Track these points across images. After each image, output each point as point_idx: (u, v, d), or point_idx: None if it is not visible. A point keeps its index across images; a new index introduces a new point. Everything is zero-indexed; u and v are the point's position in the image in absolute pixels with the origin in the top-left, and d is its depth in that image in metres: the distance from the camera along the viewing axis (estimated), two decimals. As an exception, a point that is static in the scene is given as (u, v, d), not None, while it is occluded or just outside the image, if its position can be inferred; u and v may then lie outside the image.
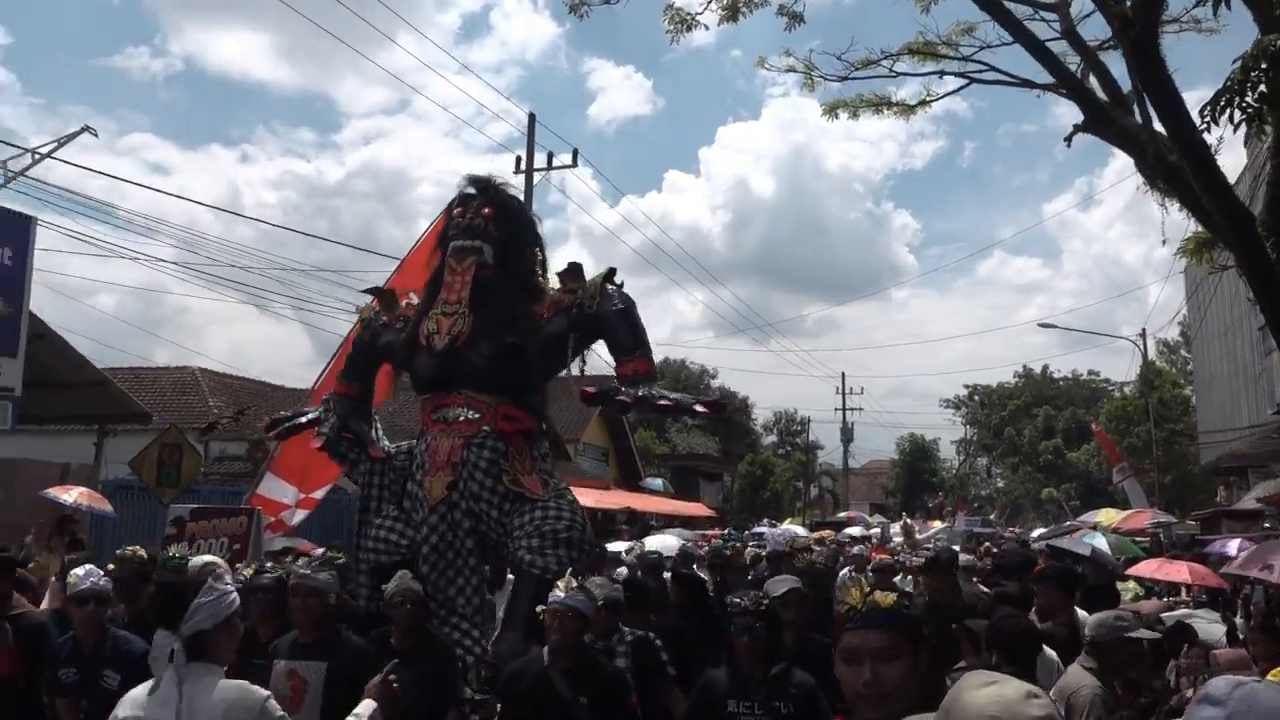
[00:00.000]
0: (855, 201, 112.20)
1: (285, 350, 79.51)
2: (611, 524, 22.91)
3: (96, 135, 13.30)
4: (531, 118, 21.71)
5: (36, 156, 12.99)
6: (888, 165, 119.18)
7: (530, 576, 5.22)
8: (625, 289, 5.75)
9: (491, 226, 5.79)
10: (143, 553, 5.67)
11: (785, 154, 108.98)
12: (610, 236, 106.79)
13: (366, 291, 6.63)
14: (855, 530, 23.82)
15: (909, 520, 21.51)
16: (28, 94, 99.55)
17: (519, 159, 21.70)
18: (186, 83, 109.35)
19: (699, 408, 5.39)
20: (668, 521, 23.91)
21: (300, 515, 9.36)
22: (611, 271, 5.79)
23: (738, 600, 4.18)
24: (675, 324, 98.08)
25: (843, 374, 51.77)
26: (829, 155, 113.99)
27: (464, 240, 5.76)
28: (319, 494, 9.44)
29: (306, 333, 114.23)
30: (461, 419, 5.65)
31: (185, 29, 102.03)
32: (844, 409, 50.56)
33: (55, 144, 13.02)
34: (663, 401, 5.25)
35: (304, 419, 6.42)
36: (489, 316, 5.62)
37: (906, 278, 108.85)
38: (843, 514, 36.84)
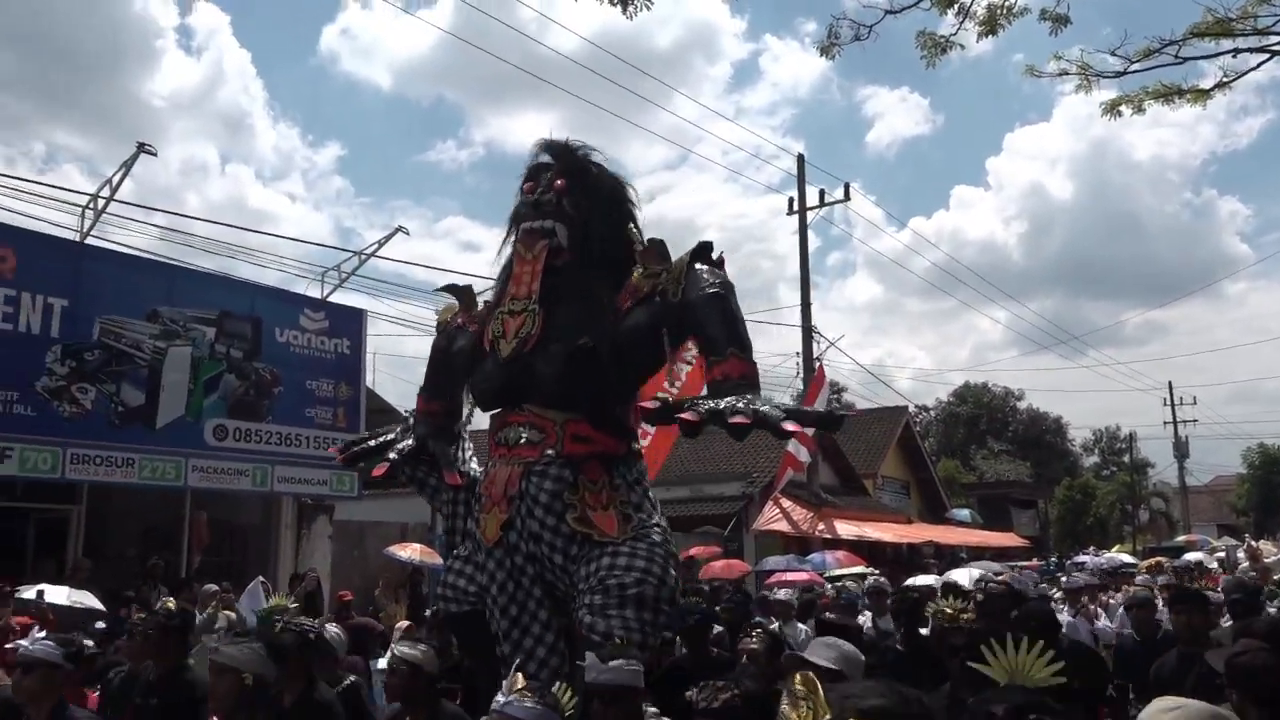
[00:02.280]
0: (1171, 193, 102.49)
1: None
2: (919, 557, 22.40)
3: (409, 234, 14.96)
4: (800, 159, 22.03)
5: (363, 257, 14.85)
6: (1206, 149, 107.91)
7: (587, 644, 3.94)
8: (725, 266, 4.50)
9: (566, 202, 4.72)
10: (171, 604, 4.87)
11: (1084, 151, 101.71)
12: (897, 264, 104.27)
13: (441, 290, 5.65)
14: (1195, 556, 21.64)
15: (1255, 543, 19.25)
16: (359, 196, 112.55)
17: (791, 200, 22.02)
18: (489, 166, 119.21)
19: (789, 426, 3.82)
20: (976, 554, 22.89)
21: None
22: (703, 247, 4.52)
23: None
24: (976, 344, 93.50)
25: (1169, 383, 47.37)
26: (1135, 146, 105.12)
27: (533, 221, 4.72)
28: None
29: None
30: (522, 441, 4.57)
31: (486, 119, 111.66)
32: (1175, 421, 46.15)
33: (376, 245, 14.83)
34: (736, 419, 3.82)
35: (374, 442, 5.50)
36: (564, 314, 4.54)
37: (1241, 269, 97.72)
38: (1180, 538, 33.47)
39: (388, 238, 14.80)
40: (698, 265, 4.42)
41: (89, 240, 12.22)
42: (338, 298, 14.84)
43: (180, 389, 12.20)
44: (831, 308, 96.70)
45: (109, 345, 11.61)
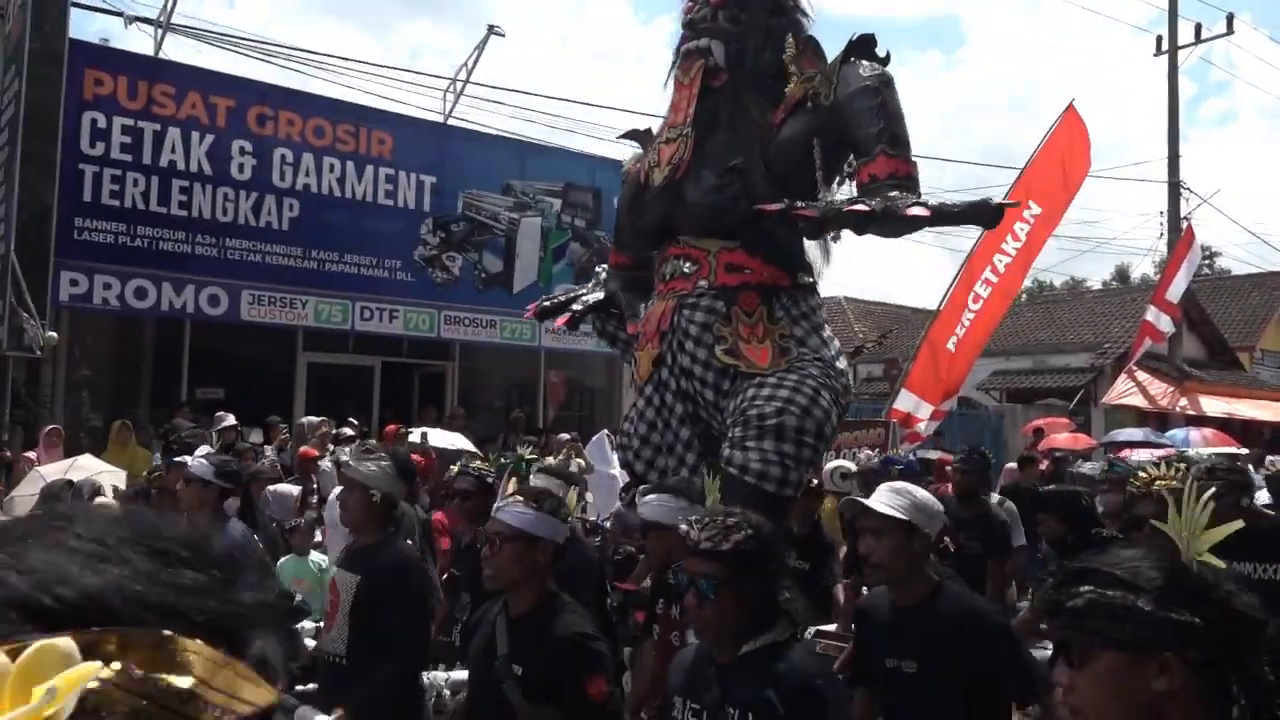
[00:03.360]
0: None
1: (924, 273, 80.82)
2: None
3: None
4: (1171, -12, 19.35)
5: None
6: None
7: (728, 479, 3.66)
8: (890, 62, 3.94)
9: (722, 16, 4.33)
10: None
11: None
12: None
13: (623, 137, 5.31)
14: None
15: None
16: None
17: (1159, 39, 19.54)
18: (824, 29, 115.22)
19: (913, 211, 3.40)
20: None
21: (932, 426, 9.84)
22: (862, 40, 3.97)
23: None
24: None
25: None
26: None
27: (690, 41, 4.38)
28: (946, 406, 9.83)
29: (947, 256, 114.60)
30: (677, 275, 4.33)
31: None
32: None
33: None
34: (856, 207, 3.44)
35: (564, 297, 5.38)
36: (718, 137, 4.25)
37: None
38: None
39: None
40: (852, 60, 3.95)
41: (450, 121, 13.38)
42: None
43: (532, 256, 13.26)
44: (1206, 161, 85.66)
45: (471, 217, 12.82)
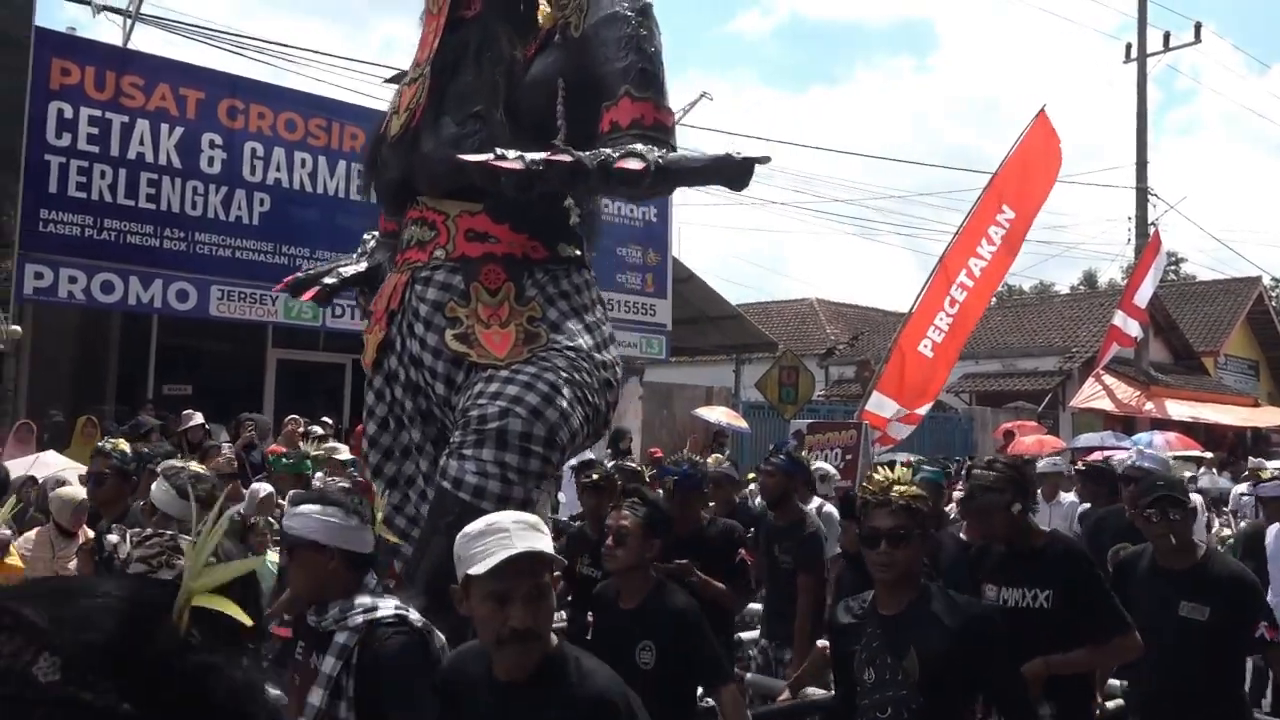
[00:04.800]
0: None
1: (893, 276, 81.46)
2: (1266, 444, 20.33)
3: (713, 99, 15.05)
4: (1141, -6, 19.60)
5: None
6: None
7: (439, 494, 3.17)
8: None
9: None
10: (124, 447, 4.74)
11: None
12: (1260, 115, 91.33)
13: (390, 81, 4.66)
14: None
15: None
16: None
17: (1129, 47, 19.80)
18: (791, 34, 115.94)
19: (625, 164, 2.75)
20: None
21: (905, 430, 9.88)
22: None
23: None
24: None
25: None
26: None
27: None
28: (921, 410, 9.88)
29: (914, 259, 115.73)
30: (413, 243, 3.61)
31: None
32: None
33: (682, 112, 15.00)
34: (559, 157, 2.73)
35: (323, 267, 4.45)
36: (461, 77, 3.52)
37: None
38: None
39: (693, 104, 14.94)
40: None
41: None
42: (646, 167, 15.27)
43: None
44: (1173, 168, 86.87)
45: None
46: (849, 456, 9.31)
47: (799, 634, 4.69)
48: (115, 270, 10.21)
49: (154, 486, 3.61)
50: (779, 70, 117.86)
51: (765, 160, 2.77)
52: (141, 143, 10.49)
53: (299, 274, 4.46)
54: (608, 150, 2.81)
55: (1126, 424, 17.56)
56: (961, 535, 4.52)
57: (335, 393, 12.37)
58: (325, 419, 9.37)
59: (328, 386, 12.40)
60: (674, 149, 3.03)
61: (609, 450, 11.65)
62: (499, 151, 2.68)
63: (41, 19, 9.94)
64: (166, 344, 11.33)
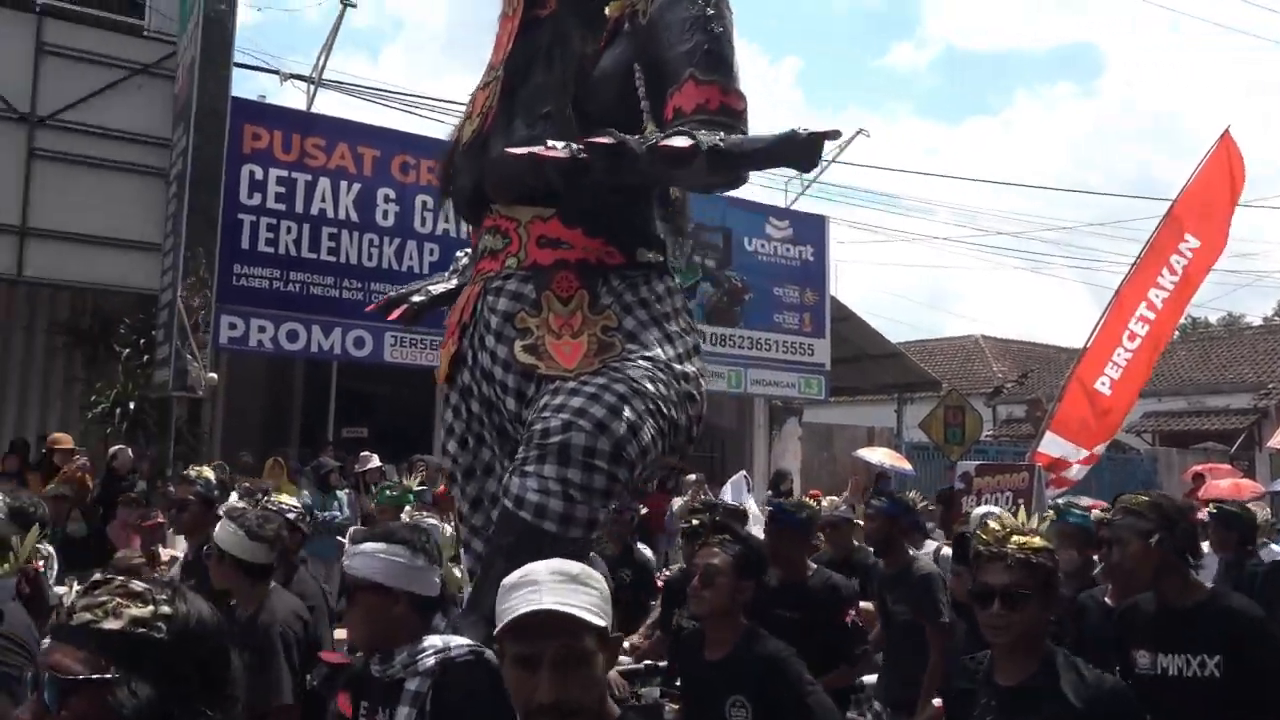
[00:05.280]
0: None
1: (1064, 310, 77.89)
2: None
3: (869, 136, 14.85)
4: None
5: (824, 165, 14.98)
6: None
7: (503, 515, 2.92)
8: None
9: None
10: (209, 474, 4.79)
11: None
12: None
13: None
14: None
15: None
16: (810, 106, 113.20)
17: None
18: (946, 65, 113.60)
19: (671, 142, 2.49)
20: None
21: (1081, 471, 9.39)
22: None
23: None
24: None
25: None
26: None
27: None
28: (1099, 449, 9.37)
29: (1088, 291, 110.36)
30: (486, 252, 3.41)
31: (943, 11, 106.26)
32: None
33: (838, 150, 14.86)
34: (599, 139, 2.48)
35: (415, 286, 4.29)
36: (533, 79, 3.36)
37: None
38: None
39: (849, 141, 14.77)
40: None
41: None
42: (801, 205, 15.18)
43: (663, 297, 13.32)
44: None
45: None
46: (1020, 500, 8.89)
47: (925, 694, 4.16)
48: (299, 319, 10.88)
49: (219, 527, 3.52)
50: (934, 102, 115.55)
51: (835, 135, 2.52)
52: (323, 199, 11.19)
53: (391, 293, 4.31)
54: (700, 133, 2.56)
55: (1335, 466, 16.15)
56: (1106, 600, 3.88)
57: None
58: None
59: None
60: (744, 134, 2.80)
61: (769, 492, 11.55)
62: (548, 143, 2.53)
63: (235, 89, 10.76)
64: (345, 389, 11.93)
